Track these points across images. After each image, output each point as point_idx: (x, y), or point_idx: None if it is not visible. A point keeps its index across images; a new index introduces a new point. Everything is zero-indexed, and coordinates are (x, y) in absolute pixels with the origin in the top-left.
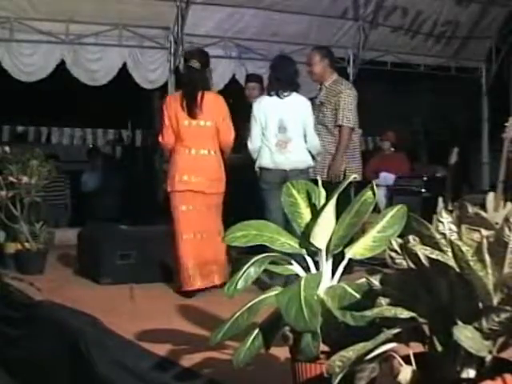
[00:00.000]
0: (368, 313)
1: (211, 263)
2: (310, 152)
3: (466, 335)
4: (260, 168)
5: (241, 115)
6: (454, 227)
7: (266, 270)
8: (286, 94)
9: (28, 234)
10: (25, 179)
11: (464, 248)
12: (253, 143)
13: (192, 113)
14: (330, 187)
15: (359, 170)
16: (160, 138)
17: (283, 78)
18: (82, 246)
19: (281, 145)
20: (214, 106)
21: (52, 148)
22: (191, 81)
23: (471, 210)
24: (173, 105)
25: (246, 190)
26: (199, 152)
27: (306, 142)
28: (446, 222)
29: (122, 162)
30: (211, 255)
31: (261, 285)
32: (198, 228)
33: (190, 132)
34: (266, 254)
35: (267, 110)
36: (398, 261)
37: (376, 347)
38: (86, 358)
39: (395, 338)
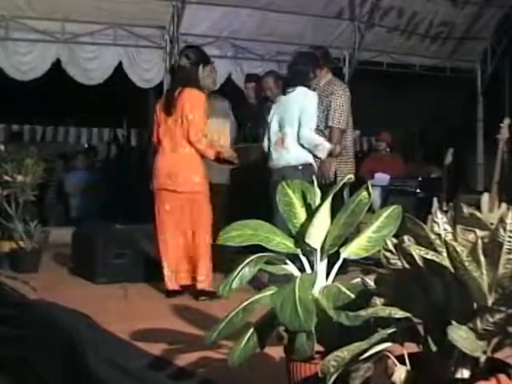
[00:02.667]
0: (363, 313)
1: (188, 264)
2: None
3: (461, 335)
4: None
5: (239, 115)
6: (448, 228)
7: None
8: (289, 90)
9: (23, 232)
10: (20, 178)
11: (459, 248)
12: (263, 143)
13: (167, 111)
14: (324, 188)
15: (351, 173)
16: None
17: (287, 75)
18: (77, 245)
19: (278, 142)
20: (185, 102)
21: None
22: (173, 79)
23: (466, 210)
24: (159, 104)
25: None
26: (175, 150)
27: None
28: (440, 223)
29: (118, 161)
30: (188, 256)
31: (259, 284)
32: (174, 228)
33: (166, 130)
34: (261, 254)
35: (272, 109)
36: (392, 261)
37: (370, 347)
38: (80, 357)
39: (390, 338)
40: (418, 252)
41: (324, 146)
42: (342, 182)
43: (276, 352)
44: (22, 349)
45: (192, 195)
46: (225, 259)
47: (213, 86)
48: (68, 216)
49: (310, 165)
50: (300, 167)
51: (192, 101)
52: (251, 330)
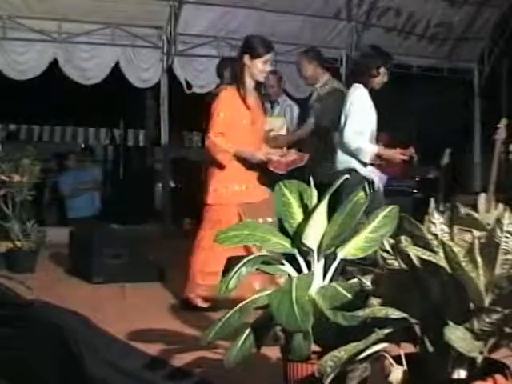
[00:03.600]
0: (359, 313)
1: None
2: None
3: (458, 336)
4: None
5: None
6: (445, 228)
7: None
8: (350, 90)
9: (19, 232)
10: (17, 178)
11: (456, 249)
12: None
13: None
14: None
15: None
16: None
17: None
18: (74, 246)
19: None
20: None
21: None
22: None
23: (463, 210)
24: None
25: None
26: None
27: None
28: (437, 223)
29: (114, 161)
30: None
31: None
32: None
33: None
34: (258, 254)
35: None
36: (389, 261)
37: (367, 347)
38: (77, 357)
39: (387, 339)
40: (414, 252)
41: (364, 150)
42: (338, 182)
43: (273, 352)
44: (18, 349)
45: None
46: None
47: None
48: (64, 216)
49: (354, 171)
50: (344, 173)
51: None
52: (248, 330)
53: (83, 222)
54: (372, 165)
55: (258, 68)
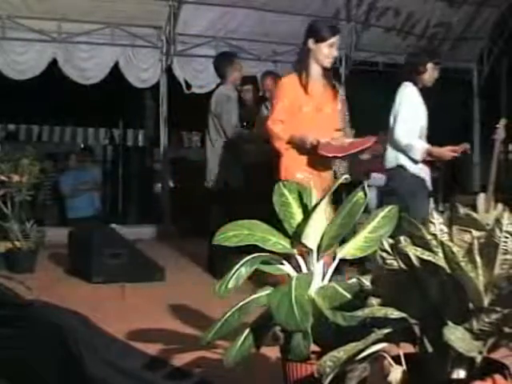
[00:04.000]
0: (359, 313)
1: None
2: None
3: (457, 336)
4: None
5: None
6: (444, 228)
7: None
8: (400, 88)
9: (19, 232)
10: (16, 178)
11: (455, 249)
12: None
13: None
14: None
15: (347, 171)
16: None
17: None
18: (73, 245)
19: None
20: None
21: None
22: None
23: (462, 210)
24: None
25: None
26: None
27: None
28: (437, 223)
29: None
30: None
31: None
32: None
33: None
34: (258, 254)
35: None
36: (389, 261)
37: (367, 347)
38: (77, 357)
39: (386, 339)
40: (414, 252)
41: (415, 147)
42: (337, 182)
43: (272, 352)
44: (18, 349)
45: None
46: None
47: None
48: (63, 216)
49: (403, 168)
50: (393, 170)
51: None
52: (247, 330)
53: (83, 222)
54: (423, 162)
55: (324, 52)
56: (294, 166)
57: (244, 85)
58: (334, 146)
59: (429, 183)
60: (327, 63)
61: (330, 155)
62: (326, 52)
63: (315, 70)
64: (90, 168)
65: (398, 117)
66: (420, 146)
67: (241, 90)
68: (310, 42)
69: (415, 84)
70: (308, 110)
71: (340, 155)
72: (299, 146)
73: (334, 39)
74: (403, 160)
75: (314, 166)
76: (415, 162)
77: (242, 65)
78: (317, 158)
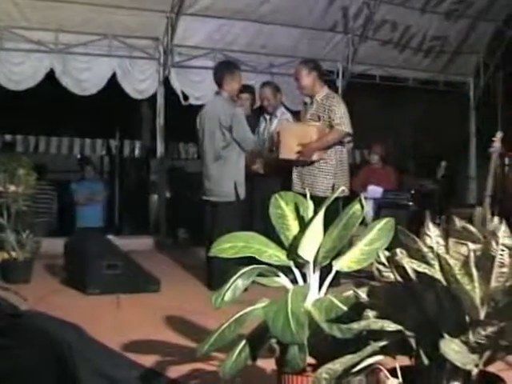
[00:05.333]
0: (355, 325)
1: None
2: None
3: (453, 348)
4: None
5: None
6: (441, 241)
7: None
8: None
9: (14, 242)
10: (12, 188)
11: (451, 261)
12: None
13: None
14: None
15: (347, 184)
16: None
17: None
18: (69, 256)
19: None
20: None
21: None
22: None
23: (458, 223)
24: None
25: None
26: None
27: None
28: (433, 236)
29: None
30: None
31: None
32: None
33: None
34: (254, 266)
35: None
36: (385, 273)
37: (363, 360)
38: (72, 368)
39: (382, 351)
40: (410, 265)
41: None
42: (335, 195)
43: (268, 364)
44: (12, 360)
45: None
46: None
47: None
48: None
49: None
50: None
51: None
52: (243, 342)
53: (80, 232)
54: None
55: None
56: None
57: (242, 93)
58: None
59: None
60: None
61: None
62: None
63: None
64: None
65: None
66: None
67: (239, 98)
68: None
69: None
70: None
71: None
72: None
73: None
74: None
75: None
76: None
77: (241, 77)
78: None
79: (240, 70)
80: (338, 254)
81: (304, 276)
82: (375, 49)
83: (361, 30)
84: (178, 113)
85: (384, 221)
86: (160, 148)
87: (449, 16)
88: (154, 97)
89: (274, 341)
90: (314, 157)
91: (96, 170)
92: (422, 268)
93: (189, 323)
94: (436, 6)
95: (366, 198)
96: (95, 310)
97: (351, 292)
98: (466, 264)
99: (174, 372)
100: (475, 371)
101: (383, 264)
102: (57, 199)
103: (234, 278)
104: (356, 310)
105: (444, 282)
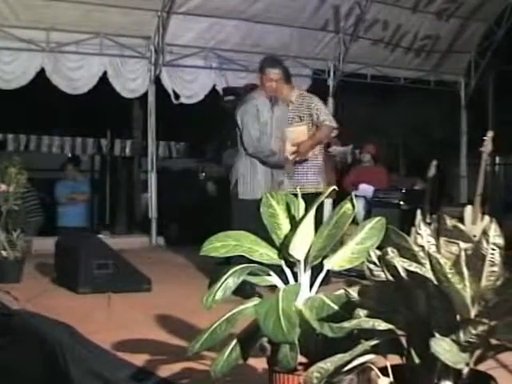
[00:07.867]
0: (346, 324)
1: None
2: None
3: (444, 347)
4: None
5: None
6: (432, 240)
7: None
8: None
9: (5, 242)
10: (3, 187)
11: (442, 260)
12: None
13: None
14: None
15: (333, 179)
16: None
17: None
18: (60, 255)
19: None
20: None
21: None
22: None
23: (449, 222)
24: None
25: None
26: None
27: None
28: (424, 235)
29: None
30: None
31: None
32: None
33: None
34: (245, 265)
35: None
36: (376, 272)
37: (354, 359)
38: (63, 367)
39: (373, 350)
40: (401, 264)
41: None
42: (326, 193)
43: (259, 363)
44: (3, 360)
45: None
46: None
47: None
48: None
49: None
50: None
51: None
52: (234, 341)
53: (71, 232)
54: None
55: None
56: None
57: (226, 95)
58: None
59: None
60: None
61: None
62: None
63: None
64: (82, 179)
65: None
66: None
67: (226, 101)
68: None
69: None
70: None
71: None
72: None
73: None
74: None
75: None
76: None
77: (278, 75)
78: None
79: (272, 68)
80: (329, 252)
81: (295, 275)
82: (366, 48)
83: (352, 29)
84: (169, 112)
85: (375, 220)
86: (151, 147)
87: (440, 15)
88: (145, 96)
89: (265, 340)
90: (308, 154)
91: (80, 169)
92: (413, 267)
93: (180, 322)
94: (427, 6)
95: (357, 197)
96: (86, 309)
97: (342, 291)
98: (456, 263)
99: (166, 371)
100: (466, 370)
101: (374, 263)
102: (47, 198)
103: (225, 276)
104: (347, 309)
105: (435, 281)
